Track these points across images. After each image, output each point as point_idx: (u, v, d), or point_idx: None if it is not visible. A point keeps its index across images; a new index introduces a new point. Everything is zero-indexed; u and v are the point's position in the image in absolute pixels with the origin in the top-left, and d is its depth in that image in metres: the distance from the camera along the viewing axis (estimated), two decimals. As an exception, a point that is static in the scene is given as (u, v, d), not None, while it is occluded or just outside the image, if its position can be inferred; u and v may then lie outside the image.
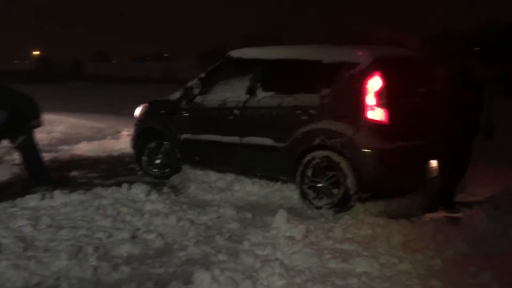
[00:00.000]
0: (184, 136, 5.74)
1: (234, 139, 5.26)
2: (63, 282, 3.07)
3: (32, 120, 5.39)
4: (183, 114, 5.77)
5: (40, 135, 9.33)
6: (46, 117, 11.46)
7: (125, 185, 4.98)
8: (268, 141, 5.00)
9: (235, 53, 5.57)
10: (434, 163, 4.64)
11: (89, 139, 8.65)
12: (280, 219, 3.77)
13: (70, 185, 5.57)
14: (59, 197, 4.71)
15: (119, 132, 9.51)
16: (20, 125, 5.32)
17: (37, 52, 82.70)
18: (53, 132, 9.83)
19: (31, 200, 4.65)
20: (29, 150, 5.46)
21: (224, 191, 5.21)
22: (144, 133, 6.20)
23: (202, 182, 5.49)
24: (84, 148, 7.86)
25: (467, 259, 3.33)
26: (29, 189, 5.21)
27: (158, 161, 6.10)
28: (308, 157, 4.68)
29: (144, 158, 6.15)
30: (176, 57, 73.52)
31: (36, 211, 4.37)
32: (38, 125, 5.49)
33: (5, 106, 5.17)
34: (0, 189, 5.47)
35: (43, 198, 4.69)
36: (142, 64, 64.26)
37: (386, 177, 4.45)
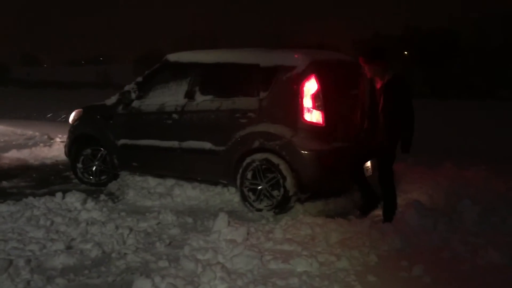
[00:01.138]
0: (122, 141, 5.60)
1: (173, 143, 5.20)
2: (-8, 298, 2.90)
3: None
4: (120, 119, 5.64)
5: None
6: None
7: (59, 194, 4.79)
8: (207, 145, 4.98)
9: (173, 57, 5.51)
10: (369, 163, 4.81)
11: (19, 146, 8.22)
12: (220, 222, 3.78)
13: (-1, 196, 5.28)
14: (-14, 209, 4.45)
15: (52, 139, 9.14)
16: None
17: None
18: (-22, 140, 9.28)
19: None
20: None
21: (164, 197, 5.14)
22: (78, 140, 5.99)
23: (141, 188, 5.39)
24: (13, 156, 7.47)
25: (400, 254, 3.49)
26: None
27: (94, 168, 5.91)
28: (248, 160, 4.72)
29: (79, 165, 5.93)
30: (111, 61, 71.50)
31: None
32: None
33: None
34: None
35: (-32, 210, 4.41)
36: (75, 68, 61.92)
37: (324, 178, 4.57)
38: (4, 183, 6.00)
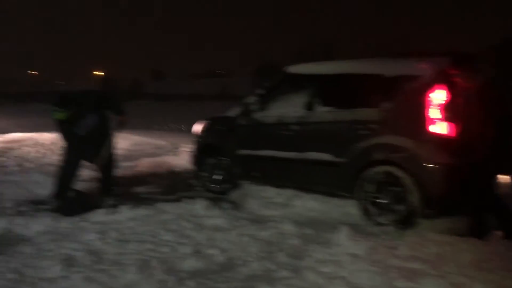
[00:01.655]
0: (243, 152, 5.81)
1: (293, 154, 5.27)
2: (132, 294, 3.16)
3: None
4: (242, 130, 5.86)
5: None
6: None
7: (186, 200, 5.10)
8: (327, 157, 4.96)
9: (293, 69, 5.60)
10: (502, 178, 4.43)
11: (151, 155, 8.93)
12: (342, 235, 3.72)
13: (134, 200, 5.76)
14: (125, 212, 4.89)
15: (179, 148, 9.76)
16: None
17: (98, 72, 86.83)
18: (118, 148, 10.23)
19: (99, 215, 4.85)
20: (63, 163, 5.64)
21: (283, 207, 5.21)
22: (203, 150, 6.34)
23: (261, 198, 5.53)
24: (146, 165, 8.12)
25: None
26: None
27: (217, 177, 6.20)
28: (369, 172, 4.61)
29: (204, 174, 6.27)
30: (231, 74, 74.73)
31: (103, 225, 4.55)
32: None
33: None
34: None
35: (109, 212, 4.88)
36: (198, 81, 65.72)
37: (452, 193, 4.29)
38: (139, 189, 6.55)
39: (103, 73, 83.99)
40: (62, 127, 5.50)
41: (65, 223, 4.65)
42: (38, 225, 4.63)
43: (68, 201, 5.53)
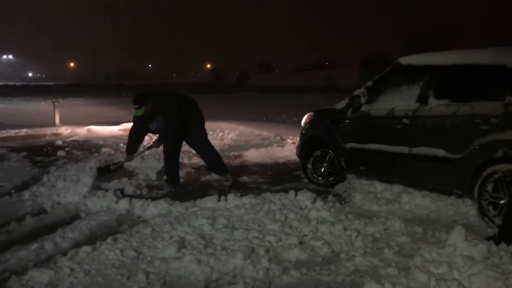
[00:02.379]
0: (350, 145, 5.71)
1: (403, 149, 5.06)
2: (239, 280, 3.27)
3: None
4: (349, 123, 5.75)
5: (214, 142, 10.19)
6: (219, 124, 12.54)
7: (292, 192, 5.14)
8: (440, 152, 4.70)
9: (405, 60, 5.36)
10: None
11: (257, 146, 9.14)
12: (456, 236, 3.50)
13: (241, 189, 5.96)
14: (233, 200, 5.07)
15: (284, 140, 9.87)
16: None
17: (209, 65, 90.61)
18: (225, 139, 10.64)
19: (209, 201, 5.08)
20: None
21: (391, 203, 5.04)
22: (309, 142, 6.34)
23: (367, 192, 5.40)
24: (252, 155, 8.34)
25: None
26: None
27: (322, 169, 6.17)
28: (488, 170, 4.28)
29: (309, 166, 6.28)
30: (337, 66, 73.56)
31: (213, 212, 4.77)
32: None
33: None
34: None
35: (219, 200, 5.10)
36: (304, 74, 65.69)
37: None
38: (245, 178, 6.74)
39: (212, 67, 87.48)
40: (137, 122, 6.06)
41: (178, 208, 4.95)
42: (154, 208, 4.99)
43: (179, 187, 6.08)
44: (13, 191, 5.83)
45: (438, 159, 4.70)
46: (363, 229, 4.21)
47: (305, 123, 6.51)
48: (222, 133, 11.35)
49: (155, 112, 5.90)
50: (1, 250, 3.89)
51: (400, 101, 5.21)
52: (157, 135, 6.11)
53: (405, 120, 5.04)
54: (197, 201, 5.13)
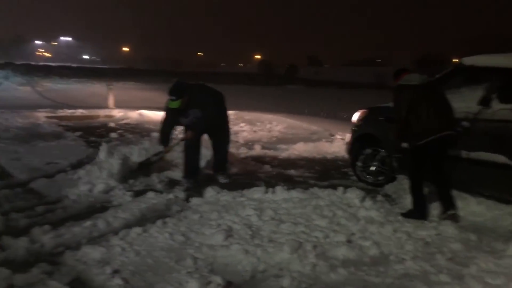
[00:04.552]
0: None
1: (460, 153, 4.87)
2: (286, 273, 3.26)
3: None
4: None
5: (262, 133, 10.21)
6: (267, 116, 12.54)
7: (340, 189, 5.07)
8: (501, 158, 4.49)
9: (468, 61, 5.14)
10: None
11: (305, 140, 9.07)
12: (516, 247, 3.35)
13: (288, 182, 5.93)
14: (280, 193, 5.05)
15: (333, 135, 9.75)
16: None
17: (259, 56, 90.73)
18: (273, 131, 10.62)
19: (256, 193, 5.08)
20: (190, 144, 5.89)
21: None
22: (360, 139, 6.22)
23: (419, 195, 5.24)
24: (300, 149, 8.28)
25: None
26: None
27: (373, 168, 6.05)
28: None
29: (359, 163, 6.16)
30: (389, 62, 71.88)
31: (260, 203, 4.77)
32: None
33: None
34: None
35: (266, 191, 5.09)
36: (353, 69, 64.63)
37: None
38: (292, 172, 6.71)
39: (261, 57, 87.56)
40: (170, 114, 5.84)
41: (226, 196, 4.98)
42: (202, 196, 5.04)
43: (197, 181, 5.76)
44: (68, 168, 6.05)
45: (498, 166, 4.50)
46: (413, 232, 4.10)
47: (358, 120, 6.39)
48: (270, 125, 11.34)
49: (190, 105, 5.66)
50: (56, 225, 4.04)
51: (461, 103, 5.00)
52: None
53: (464, 123, 4.84)
54: (245, 191, 5.15)
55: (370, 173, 6.08)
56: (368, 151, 6.09)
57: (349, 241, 3.89)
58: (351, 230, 4.11)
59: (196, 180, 5.80)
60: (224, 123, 6.21)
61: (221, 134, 6.17)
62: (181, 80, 5.96)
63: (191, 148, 5.86)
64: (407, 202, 5.10)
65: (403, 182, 5.63)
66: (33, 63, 48.40)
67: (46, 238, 3.74)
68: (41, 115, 11.84)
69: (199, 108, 5.69)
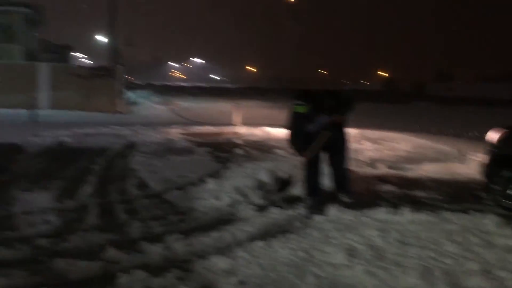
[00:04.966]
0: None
1: None
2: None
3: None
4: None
5: (386, 152, 9.91)
6: (392, 135, 12.14)
7: (473, 213, 4.71)
8: None
9: None
10: None
11: (433, 160, 8.61)
12: None
13: (414, 203, 5.64)
14: (406, 214, 4.84)
15: (464, 155, 9.10)
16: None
17: (383, 74, 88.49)
18: (398, 150, 10.24)
19: (381, 213, 4.92)
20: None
21: None
22: (499, 161, 5.72)
23: None
24: (428, 169, 7.86)
25: None
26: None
27: (512, 192, 5.51)
28: None
29: (496, 187, 5.66)
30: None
31: (385, 224, 4.60)
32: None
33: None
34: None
35: (391, 212, 4.90)
36: (488, 85, 59.64)
37: None
38: (419, 193, 6.37)
39: (386, 75, 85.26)
40: (297, 121, 5.56)
41: (348, 215, 4.90)
42: (325, 214, 5.01)
43: (318, 199, 5.54)
44: (197, 181, 6.45)
45: None
46: (562, 266, 3.64)
47: (496, 140, 5.89)
48: (395, 144, 10.96)
49: (317, 110, 5.48)
50: (187, 234, 4.32)
51: None
52: None
53: None
54: (368, 211, 5.02)
55: (510, 198, 5.54)
56: (508, 173, 5.57)
57: (484, 271, 3.57)
58: (487, 259, 3.77)
59: (319, 198, 5.69)
60: (344, 135, 5.87)
61: (341, 148, 5.80)
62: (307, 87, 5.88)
63: (310, 165, 5.72)
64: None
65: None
66: (168, 83, 52.66)
67: (178, 245, 4.02)
68: (175, 131, 12.83)
69: (327, 114, 5.55)
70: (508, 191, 5.53)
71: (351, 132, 12.78)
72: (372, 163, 8.46)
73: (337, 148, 5.77)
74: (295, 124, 5.63)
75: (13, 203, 5.36)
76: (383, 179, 7.21)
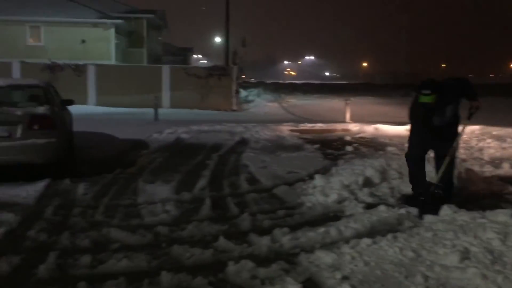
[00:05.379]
0: None
1: None
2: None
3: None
4: None
5: (511, 150, 9.12)
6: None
7: None
8: None
9: None
10: None
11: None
12: None
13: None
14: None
15: None
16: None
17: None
18: (486, 147, 9.37)
19: (501, 215, 4.57)
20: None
21: None
22: None
23: None
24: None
25: None
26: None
27: None
28: None
29: None
30: None
31: (505, 227, 4.26)
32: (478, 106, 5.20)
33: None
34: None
35: (513, 215, 4.53)
36: None
37: None
38: None
39: (515, 65, 78.13)
40: (422, 113, 5.09)
41: (464, 216, 4.62)
42: (437, 214, 4.78)
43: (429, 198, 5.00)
44: (306, 178, 6.53)
45: None
46: None
47: None
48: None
49: (445, 101, 5.03)
50: (294, 228, 4.42)
51: None
52: None
53: None
54: (487, 212, 4.68)
55: None
56: None
57: None
58: None
59: (431, 196, 5.19)
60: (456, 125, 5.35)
61: (450, 144, 5.21)
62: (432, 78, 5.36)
63: (415, 162, 5.35)
64: None
65: None
66: (280, 81, 53.45)
67: (285, 239, 4.13)
68: (285, 128, 13.04)
69: (455, 105, 5.16)
70: None
71: (473, 128, 11.99)
72: (494, 161, 7.86)
73: (449, 143, 5.22)
74: (421, 117, 5.12)
75: (138, 193, 5.92)
76: (506, 179, 6.67)
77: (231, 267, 3.50)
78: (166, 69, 22.12)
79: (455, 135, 5.30)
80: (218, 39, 39.08)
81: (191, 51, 41.44)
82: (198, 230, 4.46)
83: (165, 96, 21.18)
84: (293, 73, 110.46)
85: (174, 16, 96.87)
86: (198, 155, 8.81)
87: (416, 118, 5.27)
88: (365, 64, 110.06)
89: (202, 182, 6.51)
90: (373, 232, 4.31)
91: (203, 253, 3.85)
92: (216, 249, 3.94)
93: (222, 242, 4.07)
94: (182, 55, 36.93)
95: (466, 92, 5.26)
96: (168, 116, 16.70)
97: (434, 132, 5.21)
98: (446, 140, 5.20)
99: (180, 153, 9.19)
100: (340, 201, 5.38)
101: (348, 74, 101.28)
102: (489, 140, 10.19)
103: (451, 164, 5.27)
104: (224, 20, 26.34)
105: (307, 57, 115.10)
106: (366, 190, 5.74)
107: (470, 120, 5.29)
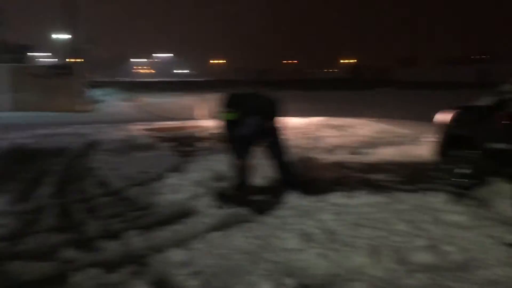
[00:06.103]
0: (496, 145, 5.20)
1: None
2: (363, 278, 3.23)
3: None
4: (499, 122, 5.23)
5: (348, 138, 10.09)
6: (355, 121, 12.32)
7: (425, 192, 4.89)
8: None
9: None
10: None
11: (392, 143, 8.84)
12: None
13: (371, 186, 5.81)
14: (361, 197, 4.99)
15: (422, 138, 9.37)
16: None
17: (346, 61, 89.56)
18: (360, 135, 10.46)
19: (337, 197, 5.05)
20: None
21: (542, 211, 4.50)
22: (449, 141, 5.92)
23: (510, 198, 4.88)
24: (386, 153, 8.07)
25: None
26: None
27: (462, 171, 5.72)
28: None
29: (447, 166, 5.87)
30: (498, 60, 66.18)
31: (340, 207, 4.73)
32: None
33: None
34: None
35: (347, 196, 5.04)
36: (453, 69, 60.61)
37: None
38: (376, 176, 6.56)
39: (352, 61, 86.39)
40: (228, 127, 5.66)
41: (306, 202, 5.00)
42: (283, 202, 5.10)
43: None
44: (158, 177, 6.45)
45: None
46: (504, 237, 3.84)
47: (447, 120, 6.09)
48: (357, 130, 11.19)
49: (247, 113, 5.55)
50: (146, 229, 4.34)
51: None
52: None
53: None
54: (325, 196, 5.14)
55: (460, 176, 5.75)
56: (458, 153, 5.78)
57: (431, 246, 3.74)
58: (434, 235, 3.95)
59: (278, 188, 5.69)
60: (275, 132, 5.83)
61: (275, 142, 5.78)
62: (233, 91, 5.87)
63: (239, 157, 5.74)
64: (499, 205, 4.78)
65: (495, 185, 5.26)
66: (133, 79, 51.91)
67: (136, 241, 4.04)
68: (139, 128, 12.74)
69: (258, 116, 5.59)
70: (456, 170, 5.75)
71: (315, 120, 12.97)
72: (332, 149, 8.63)
73: (272, 143, 5.76)
74: (229, 131, 5.67)
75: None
76: (342, 164, 7.37)
77: (75, 278, 3.31)
78: (2, 68, 19.95)
79: (273, 130, 5.71)
80: (63, 36, 36.40)
81: (31, 48, 38.02)
82: (41, 242, 4.14)
83: (6, 98, 19.10)
84: (146, 71, 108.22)
85: (15, 12, 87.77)
86: (41, 161, 8.14)
87: (224, 133, 5.73)
88: (221, 61, 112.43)
89: (44, 190, 6.04)
90: (224, 225, 4.43)
91: (44, 266, 3.58)
92: (60, 261, 3.69)
93: (67, 252, 3.83)
94: (20, 53, 33.71)
95: (272, 114, 5.69)
96: (9, 120, 15.17)
97: (243, 141, 5.64)
98: (265, 138, 5.68)
99: (19, 160, 8.39)
100: (192, 198, 5.42)
101: (202, 71, 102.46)
102: (328, 130, 11.17)
103: (280, 156, 5.73)
104: (66, 15, 24.67)
105: (164, 55, 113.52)
106: (218, 184, 5.87)
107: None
